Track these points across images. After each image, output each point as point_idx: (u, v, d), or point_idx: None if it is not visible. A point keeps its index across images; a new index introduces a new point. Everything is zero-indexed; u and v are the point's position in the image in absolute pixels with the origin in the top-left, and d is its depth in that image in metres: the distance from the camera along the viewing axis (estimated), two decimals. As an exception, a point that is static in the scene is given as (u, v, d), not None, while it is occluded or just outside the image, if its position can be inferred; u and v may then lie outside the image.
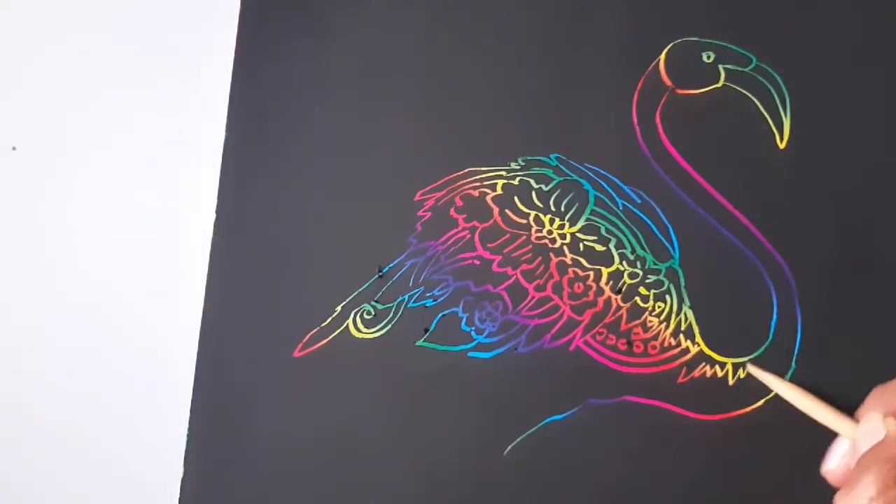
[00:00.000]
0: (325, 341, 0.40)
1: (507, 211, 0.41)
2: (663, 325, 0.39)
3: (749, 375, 0.38)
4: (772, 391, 0.38)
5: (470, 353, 0.40)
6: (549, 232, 0.40)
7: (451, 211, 0.41)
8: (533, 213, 0.41)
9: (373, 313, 0.40)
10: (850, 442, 0.35)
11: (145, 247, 0.43)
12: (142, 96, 0.44)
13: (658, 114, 0.41)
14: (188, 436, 0.40)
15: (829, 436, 0.36)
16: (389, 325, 0.40)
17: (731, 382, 0.39)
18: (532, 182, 0.41)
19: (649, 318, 0.39)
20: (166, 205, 0.43)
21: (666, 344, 0.39)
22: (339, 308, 0.40)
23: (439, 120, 0.42)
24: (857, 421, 0.35)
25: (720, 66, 0.41)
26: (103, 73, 0.45)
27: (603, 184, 0.41)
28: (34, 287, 0.43)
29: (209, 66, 0.44)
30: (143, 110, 0.44)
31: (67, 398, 0.42)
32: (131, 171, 0.44)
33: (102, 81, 0.45)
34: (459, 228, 0.41)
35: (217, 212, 0.41)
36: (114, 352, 0.42)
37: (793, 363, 0.38)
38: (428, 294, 0.40)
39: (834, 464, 0.36)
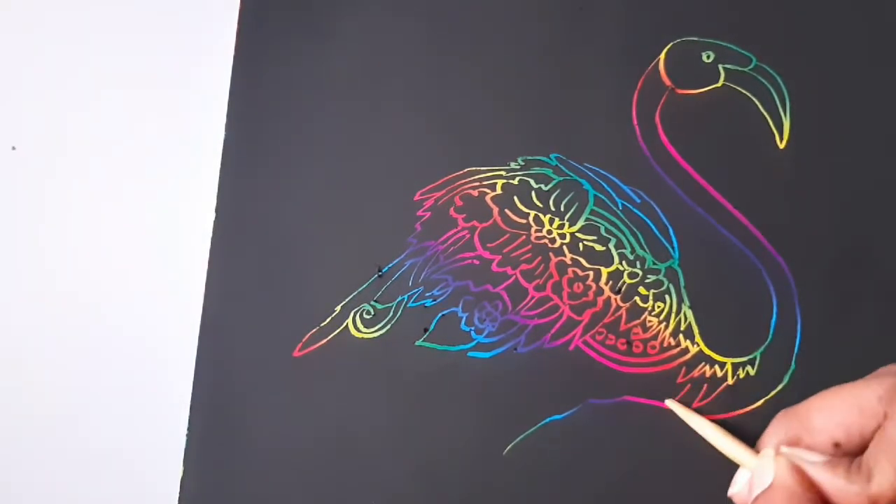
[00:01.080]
0: (324, 341, 0.40)
1: (506, 211, 0.41)
2: (663, 325, 0.39)
3: (746, 378, 0.38)
4: (771, 391, 0.38)
5: (469, 353, 0.40)
6: (549, 232, 0.40)
7: (451, 211, 0.41)
8: (532, 212, 0.41)
9: (372, 313, 0.40)
10: (751, 473, 0.35)
11: (145, 246, 0.43)
12: (141, 96, 0.44)
13: (658, 114, 0.41)
14: (188, 435, 0.40)
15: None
16: (389, 325, 0.40)
17: (730, 382, 0.39)
18: (532, 182, 0.41)
19: (649, 317, 0.39)
20: (166, 204, 0.43)
21: (665, 344, 0.39)
22: (338, 308, 0.40)
23: (439, 120, 0.42)
24: (757, 450, 0.36)
25: (720, 66, 0.41)
26: (103, 73, 0.45)
27: (603, 184, 0.41)
28: (34, 286, 0.43)
29: (209, 66, 0.44)
30: (142, 110, 0.44)
31: (67, 398, 0.42)
32: (131, 170, 0.44)
33: (102, 81, 0.45)
34: (459, 228, 0.41)
35: (217, 211, 0.41)
36: (113, 351, 0.42)
37: (792, 363, 0.38)
38: (427, 294, 0.40)
39: (736, 489, 0.36)
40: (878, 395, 0.32)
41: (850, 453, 0.33)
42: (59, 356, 0.42)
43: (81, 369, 0.42)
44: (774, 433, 0.35)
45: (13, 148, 0.44)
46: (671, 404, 0.38)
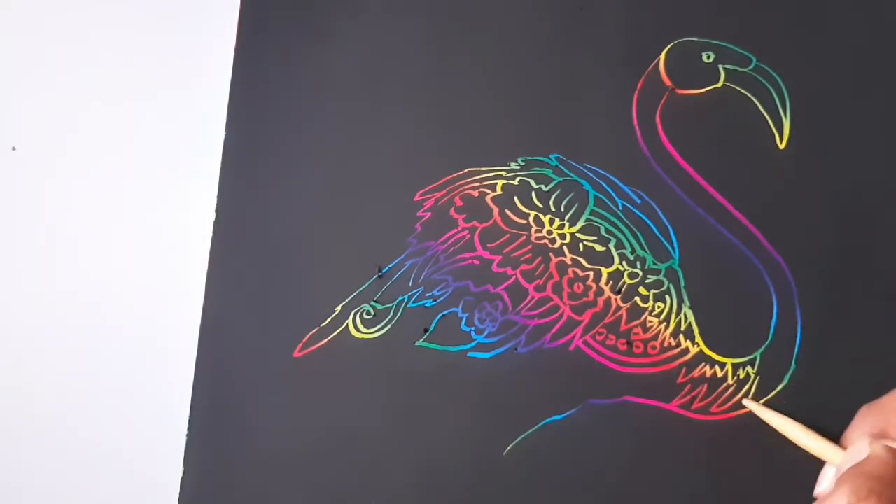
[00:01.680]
0: (324, 341, 0.40)
1: (506, 211, 0.41)
2: (663, 326, 0.39)
3: (746, 377, 0.38)
4: (771, 392, 0.38)
5: (470, 354, 0.40)
6: (549, 232, 0.40)
7: (451, 211, 0.41)
8: (533, 213, 0.41)
9: (372, 313, 0.40)
10: (837, 468, 0.35)
11: (145, 247, 0.43)
12: (141, 96, 0.44)
13: (658, 114, 0.41)
14: (188, 435, 0.40)
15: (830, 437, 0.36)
16: (389, 326, 0.40)
17: (730, 382, 0.39)
18: (532, 182, 0.41)
19: (649, 318, 0.39)
20: (166, 205, 0.43)
21: (666, 344, 0.39)
22: (338, 308, 0.40)
23: (439, 120, 0.42)
24: (842, 445, 0.36)
25: (720, 67, 0.41)
26: (103, 73, 0.45)
27: (603, 184, 0.41)
28: (33, 286, 0.43)
29: (209, 66, 0.44)
30: (142, 110, 0.44)
31: (67, 398, 0.42)
32: (131, 171, 0.44)
33: (102, 82, 0.45)
34: (459, 228, 0.41)
35: (217, 211, 0.41)
36: (113, 352, 0.42)
37: (792, 363, 0.38)
38: (428, 294, 0.40)
39: (823, 487, 0.36)
40: None
41: None
42: (60, 357, 0.42)
43: (82, 370, 0.42)
44: (860, 426, 0.35)
45: (13, 148, 0.44)
46: (748, 404, 0.38)
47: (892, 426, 0.34)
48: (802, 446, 0.36)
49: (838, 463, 0.35)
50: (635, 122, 0.41)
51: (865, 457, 0.33)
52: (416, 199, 0.41)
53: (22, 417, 0.42)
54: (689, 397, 0.39)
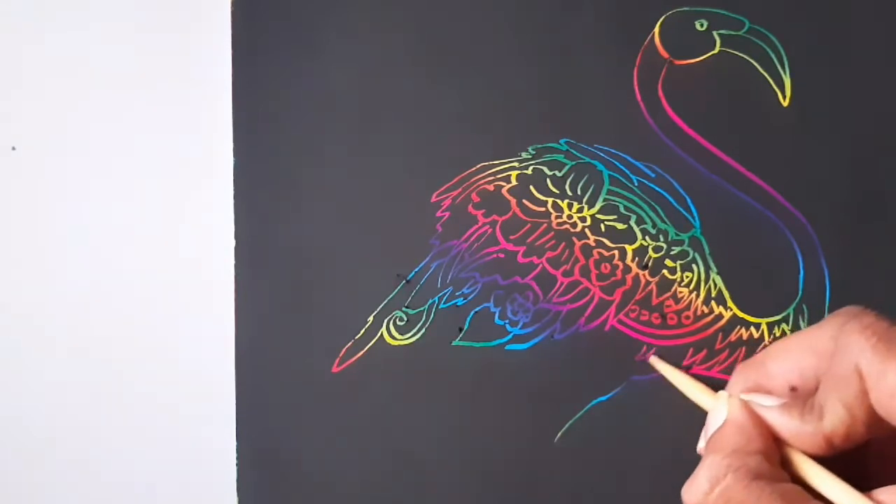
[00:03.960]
0: (361, 353, 0.40)
1: (524, 201, 0.41)
2: (694, 295, 0.40)
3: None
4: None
5: (507, 347, 0.40)
6: (569, 216, 0.41)
7: (469, 208, 0.41)
8: (550, 199, 0.41)
9: (405, 319, 0.40)
10: (703, 430, 0.34)
11: (167, 282, 0.43)
12: (142, 97, 0.43)
13: (660, 87, 0.41)
14: (237, 465, 0.39)
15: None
16: (423, 329, 0.40)
17: (767, 342, 0.39)
18: (545, 169, 0.41)
19: (679, 289, 0.40)
20: (181, 230, 0.43)
21: (699, 312, 0.40)
22: (370, 318, 0.40)
23: (445, 120, 0.42)
24: None
25: (714, 33, 0.42)
26: (104, 74, 0.44)
27: (615, 163, 0.41)
28: (33, 286, 0.42)
29: (210, 66, 0.43)
30: (143, 110, 0.43)
31: (108, 448, 0.42)
32: (130, 170, 0.43)
33: (103, 82, 0.44)
34: (480, 224, 0.41)
35: (236, 238, 0.41)
36: (151, 395, 0.42)
37: (825, 314, 0.39)
38: (457, 293, 0.40)
39: (702, 445, 0.35)
40: (830, 334, 0.31)
41: (808, 396, 0.32)
42: (88, 404, 0.42)
43: (124, 414, 0.42)
44: (734, 384, 0.34)
45: (13, 148, 0.43)
46: (654, 362, 0.38)
47: (763, 377, 0.34)
48: (690, 398, 0.36)
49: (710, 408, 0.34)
50: (639, 97, 0.41)
51: (723, 422, 0.32)
52: (433, 200, 0.41)
53: (58, 462, 0.42)
54: (728, 362, 0.39)
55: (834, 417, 0.30)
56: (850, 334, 0.30)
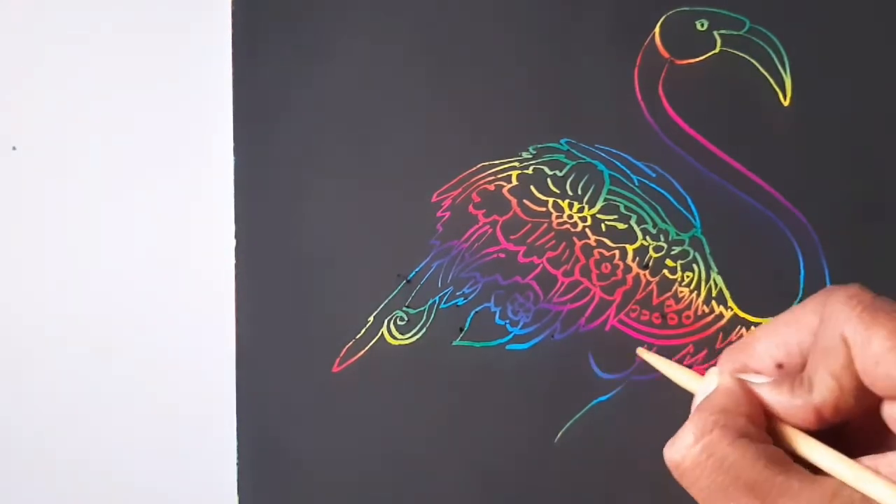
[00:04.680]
0: (361, 352, 0.40)
1: (525, 201, 0.41)
2: (694, 294, 0.40)
3: None
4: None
5: (508, 347, 0.40)
6: (570, 216, 0.41)
7: (470, 208, 0.41)
8: (551, 199, 0.41)
9: (406, 319, 0.40)
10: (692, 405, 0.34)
11: (167, 283, 0.43)
12: (142, 96, 0.43)
13: (660, 86, 0.41)
14: (238, 465, 0.39)
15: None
16: (424, 329, 0.40)
17: (767, 342, 0.39)
18: (546, 169, 0.41)
19: (679, 288, 0.40)
20: (181, 228, 0.43)
21: (699, 312, 0.40)
22: (371, 318, 0.40)
23: (446, 120, 0.42)
24: None
25: (715, 33, 0.42)
26: (104, 74, 0.44)
27: (616, 162, 0.41)
28: (33, 286, 0.42)
29: (210, 66, 0.43)
30: (143, 110, 0.43)
31: (112, 440, 0.42)
32: (130, 170, 0.43)
33: (103, 82, 0.44)
34: (480, 224, 0.41)
35: (237, 237, 0.41)
36: (151, 396, 0.42)
37: (826, 315, 0.39)
38: (458, 293, 0.40)
39: None
40: (813, 308, 0.31)
41: (796, 372, 0.32)
42: (93, 410, 0.42)
43: (125, 414, 0.42)
44: (722, 366, 0.34)
45: (13, 148, 0.43)
46: (642, 353, 0.38)
47: (750, 357, 0.33)
48: (681, 384, 0.36)
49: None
50: (639, 97, 0.41)
51: (712, 391, 0.32)
52: (434, 200, 0.41)
53: (59, 462, 0.42)
54: (729, 361, 0.39)
55: (823, 388, 0.30)
56: (834, 304, 0.30)
